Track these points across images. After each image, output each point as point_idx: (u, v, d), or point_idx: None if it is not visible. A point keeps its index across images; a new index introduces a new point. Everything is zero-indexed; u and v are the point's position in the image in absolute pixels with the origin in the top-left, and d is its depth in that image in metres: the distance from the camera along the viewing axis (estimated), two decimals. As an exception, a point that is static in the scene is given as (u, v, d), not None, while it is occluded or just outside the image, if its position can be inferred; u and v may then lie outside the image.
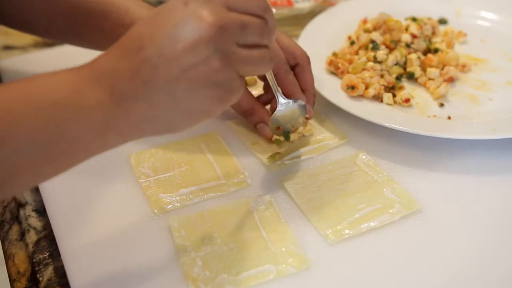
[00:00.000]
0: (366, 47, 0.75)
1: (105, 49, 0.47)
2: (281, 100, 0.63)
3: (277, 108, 0.63)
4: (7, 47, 0.88)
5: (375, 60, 0.72)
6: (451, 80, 0.73)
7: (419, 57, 0.75)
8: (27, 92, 0.43)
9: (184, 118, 0.48)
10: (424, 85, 0.73)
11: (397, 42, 0.75)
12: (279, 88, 0.63)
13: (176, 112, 0.46)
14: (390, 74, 0.72)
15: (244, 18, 0.46)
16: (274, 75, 0.62)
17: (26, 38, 0.89)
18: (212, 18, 0.44)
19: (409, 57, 0.74)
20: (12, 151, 0.41)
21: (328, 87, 0.70)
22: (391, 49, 0.75)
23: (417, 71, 0.73)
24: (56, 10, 0.65)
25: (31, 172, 0.44)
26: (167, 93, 0.45)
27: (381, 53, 0.72)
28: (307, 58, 0.66)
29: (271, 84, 0.61)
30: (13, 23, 0.69)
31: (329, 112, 0.70)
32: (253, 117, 0.66)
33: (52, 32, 0.68)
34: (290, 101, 0.63)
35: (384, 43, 0.75)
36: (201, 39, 0.44)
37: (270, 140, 0.66)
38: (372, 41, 0.74)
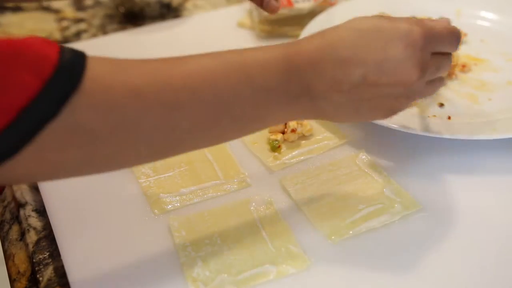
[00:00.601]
0: None
1: None
2: None
3: None
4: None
5: None
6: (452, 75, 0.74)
7: None
8: (247, 69, 0.47)
9: (353, 120, 0.58)
10: None
11: None
12: None
13: (351, 117, 0.52)
14: None
15: (440, 61, 0.53)
16: None
17: (26, 38, 0.89)
18: (420, 68, 0.49)
19: None
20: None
21: None
22: None
23: None
24: None
25: (211, 134, 0.49)
26: (353, 106, 0.50)
27: None
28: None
29: None
30: None
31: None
32: None
33: None
34: None
35: None
36: (403, 83, 0.49)
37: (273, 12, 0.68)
38: None
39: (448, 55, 0.54)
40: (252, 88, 0.47)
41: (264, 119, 0.50)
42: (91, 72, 0.41)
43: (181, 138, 0.47)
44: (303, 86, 0.48)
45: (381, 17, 0.51)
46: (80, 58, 0.41)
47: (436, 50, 0.52)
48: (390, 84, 0.49)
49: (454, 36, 0.53)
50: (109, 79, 0.42)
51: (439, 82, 0.56)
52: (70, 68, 0.40)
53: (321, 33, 0.50)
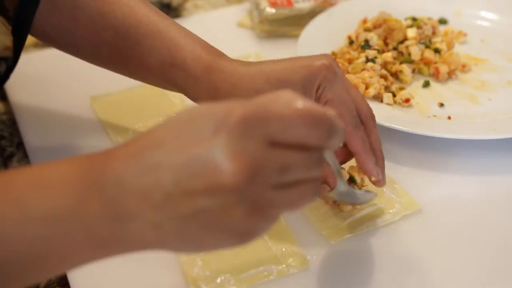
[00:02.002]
0: (361, 46, 0.75)
1: (151, 83, 0.44)
2: (342, 187, 0.50)
3: (336, 191, 0.51)
4: (7, 47, 0.87)
5: (367, 59, 0.72)
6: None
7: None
8: (20, 194, 0.37)
9: (192, 249, 0.42)
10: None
11: (398, 43, 0.76)
12: (341, 170, 0.48)
13: (181, 242, 0.39)
14: (388, 69, 0.73)
15: (288, 157, 0.37)
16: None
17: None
18: (243, 162, 0.35)
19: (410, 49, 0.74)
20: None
21: None
22: (387, 50, 0.75)
23: (416, 54, 0.74)
24: (100, 40, 0.59)
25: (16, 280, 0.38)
26: (177, 226, 0.37)
27: (372, 53, 0.72)
28: (373, 116, 0.55)
29: (330, 163, 0.45)
30: (57, 45, 0.64)
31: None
32: None
33: (97, 60, 0.63)
34: (357, 191, 0.54)
35: (381, 44, 0.75)
36: (221, 186, 0.35)
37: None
38: (365, 41, 0.74)
39: (312, 149, 0.38)
40: (27, 222, 0.36)
41: (52, 260, 0.38)
42: None
43: None
44: (105, 209, 0.37)
45: (206, 105, 0.38)
46: None
47: (277, 139, 0.36)
48: (207, 190, 0.35)
49: (314, 122, 0.37)
50: None
51: (308, 186, 0.38)
52: None
53: (138, 136, 0.38)
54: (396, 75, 0.74)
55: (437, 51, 0.76)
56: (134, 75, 0.62)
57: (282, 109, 0.36)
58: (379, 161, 0.54)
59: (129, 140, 0.38)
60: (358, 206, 0.56)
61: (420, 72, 0.75)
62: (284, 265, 0.52)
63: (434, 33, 0.79)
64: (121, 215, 0.37)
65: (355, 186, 0.56)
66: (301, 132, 0.37)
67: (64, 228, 0.36)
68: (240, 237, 0.37)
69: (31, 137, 0.68)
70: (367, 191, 0.55)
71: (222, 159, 0.35)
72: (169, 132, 0.37)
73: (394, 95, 0.70)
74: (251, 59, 0.79)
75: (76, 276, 0.52)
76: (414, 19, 0.80)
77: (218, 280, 0.51)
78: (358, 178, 0.57)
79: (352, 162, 0.62)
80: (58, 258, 0.38)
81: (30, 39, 0.89)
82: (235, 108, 0.35)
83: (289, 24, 0.85)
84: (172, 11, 0.94)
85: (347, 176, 0.56)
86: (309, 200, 0.38)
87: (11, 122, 0.72)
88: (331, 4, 0.86)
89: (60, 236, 0.37)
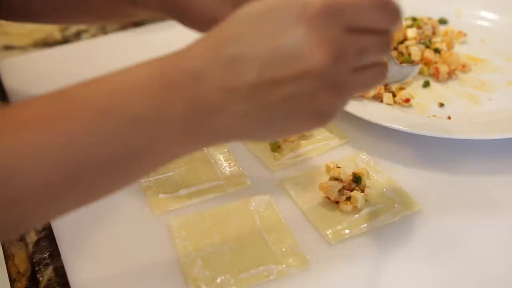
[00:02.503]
0: None
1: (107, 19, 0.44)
2: (393, 66, 0.50)
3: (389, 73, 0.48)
4: (7, 47, 0.88)
5: None
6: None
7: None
8: (107, 101, 0.38)
9: (273, 134, 0.43)
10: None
11: (398, 43, 0.76)
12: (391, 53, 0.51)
13: (266, 130, 0.41)
14: None
15: (365, 40, 0.40)
16: None
17: (26, 38, 0.89)
18: (328, 48, 0.38)
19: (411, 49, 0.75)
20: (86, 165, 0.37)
21: None
22: None
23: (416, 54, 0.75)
24: None
25: (101, 183, 0.40)
26: (263, 114, 0.39)
27: None
28: None
29: None
30: (8, 12, 0.64)
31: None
32: None
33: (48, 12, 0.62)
34: (405, 66, 0.53)
35: None
36: (310, 71, 0.38)
37: None
38: None
39: (382, 33, 0.41)
40: (119, 124, 0.38)
41: (148, 158, 0.40)
42: None
43: (33, 205, 0.37)
44: (186, 106, 0.38)
45: None
46: None
47: (353, 24, 0.39)
48: (295, 76, 0.38)
49: (383, 4, 0.40)
50: None
51: (374, 71, 0.42)
52: None
53: (207, 34, 0.40)
54: None
55: (437, 51, 0.76)
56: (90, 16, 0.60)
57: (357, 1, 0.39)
58: None
59: (200, 39, 0.40)
60: (358, 206, 0.56)
61: (420, 72, 0.75)
62: (284, 265, 0.52)
63: (434, 33, 0.79)
64: (205, 109, 0.38)
65: (400, 63, 0.54)
66: (374, 17, 0.40)
67: (153, 127, 0.38)
68: (321, 118, 0.41)
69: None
70: (411, 64, 0.57)
71: (308, 47, 0.37)
72: (245, 25, 0.39)
73: (394, 95, 0.70)
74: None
75: (76, 276, 0.52)
76: (414, 19, 0.80)
77: (218, 280, 0.51)
78: (364, 179, 0.57)
79: (357, 164, 0.62)
80: (151, 156, 0.40)
81: (30, 39, 0.89)
82: (313, 3, 0.38)
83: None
84: (172, 11, 0.94)
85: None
86: (379, 81, 0.43)
87: (11, 122, 0.72)
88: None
89: (150, 135, 0.38)
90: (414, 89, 0.73)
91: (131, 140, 0.38)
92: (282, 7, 0.39)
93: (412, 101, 0.70)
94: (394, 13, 0.41)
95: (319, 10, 0.38)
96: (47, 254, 0.56)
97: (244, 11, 0.40)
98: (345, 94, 0.41)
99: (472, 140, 0.63)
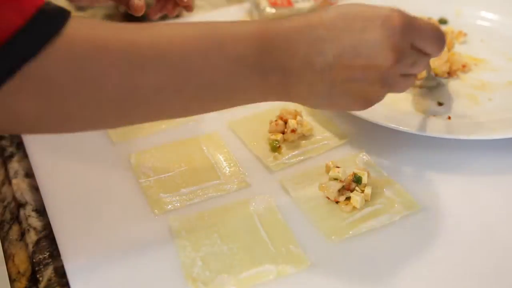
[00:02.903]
0: None
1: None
2: (430, 74, 0.71)
3: (425, 80, 0.71)
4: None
5: None
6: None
7: None
8: (222, 42, 0.48)
9: (328, 106, 0.54)
10: None
11: None
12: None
13: (324, 100, 0.52)
14: None
15: (417, 57, 0.52)
16: None
17: (26, 38, 0.89)
18: (396, 53, 0.49)
19: None
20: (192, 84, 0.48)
21: None
22: None
23: None
24: None
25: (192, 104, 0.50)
26: (326, 88, 0.50)
27: None
28: None
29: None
30: None
31: (329, 112, 0.70)
32: None
33: None
34: (438, 77, 0.70)
35: None
36: (379, 67, 0.49)
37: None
38: None
39: (427, 55, 0.54)
40: (222, 56, 0.47)
41: (234, 92, 0.50)
42: (71, 26, 0.43)
43: (146, 99, 0.46)
44: (275, 63, 0.49)
45: (366, 4, 0.51)
46: (63, 12, 0.43)
47: (415, 43, 0.51)
48: (364, 67, 0.49)
49: (438, 36, 0.53)
50: (84, 34, 0.44)
51: (413, 79, 0.55)
52: (53, 15, 0.42)
53: (305, 15, 0.50)
54: None
55: None
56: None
57: (423, 23, 0.52)
58: None
59: (298, 17, 0.50)
60: (358, 206, 0.56)
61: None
62: (284, 265, 0.52)
63: None
64: (286, 73, 0.49)
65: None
66: (431, 43, 0.53)
67: (249, 71, 0.49)
68: (368, 103, 0.53)
69: (31, 137, 0.68)
70: (442, 77, 0.72)
71: (382, 48, 0.49)
72: (338, 17, 0.49)
73: None
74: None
75: (76, 276, 0.52)
76: None
77: (218, 280, 0.51)
78: (365, 179, 0.57)
79: (357, 164, 0.62)
80: (238, 93, 0.50)
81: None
82: (395, 15, 0.49)
83: (289, 24, 0.85)
84: (172, 11, 0.94)
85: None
86: (410, 87, 0.55)
87: (11, 122, 0.72)
88: (331, 4, 0.86)
89: (244, 76, 0.49)
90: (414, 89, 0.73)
91: (231, 76, 0.48)
92: (371, 12, 0.49)
93: (412, 101, 0.70)
94: (443, 46, 0.54)
95: (400, 22, 0.49)
96: (47, 254, 0.56)
97: (342, 7, 0.50)
98: (391, 90, 0.53)
99: (472, 140, 0.63)
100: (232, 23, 0.49)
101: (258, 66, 0.48)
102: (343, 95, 0.51)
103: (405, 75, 0.53)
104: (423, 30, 0.52)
